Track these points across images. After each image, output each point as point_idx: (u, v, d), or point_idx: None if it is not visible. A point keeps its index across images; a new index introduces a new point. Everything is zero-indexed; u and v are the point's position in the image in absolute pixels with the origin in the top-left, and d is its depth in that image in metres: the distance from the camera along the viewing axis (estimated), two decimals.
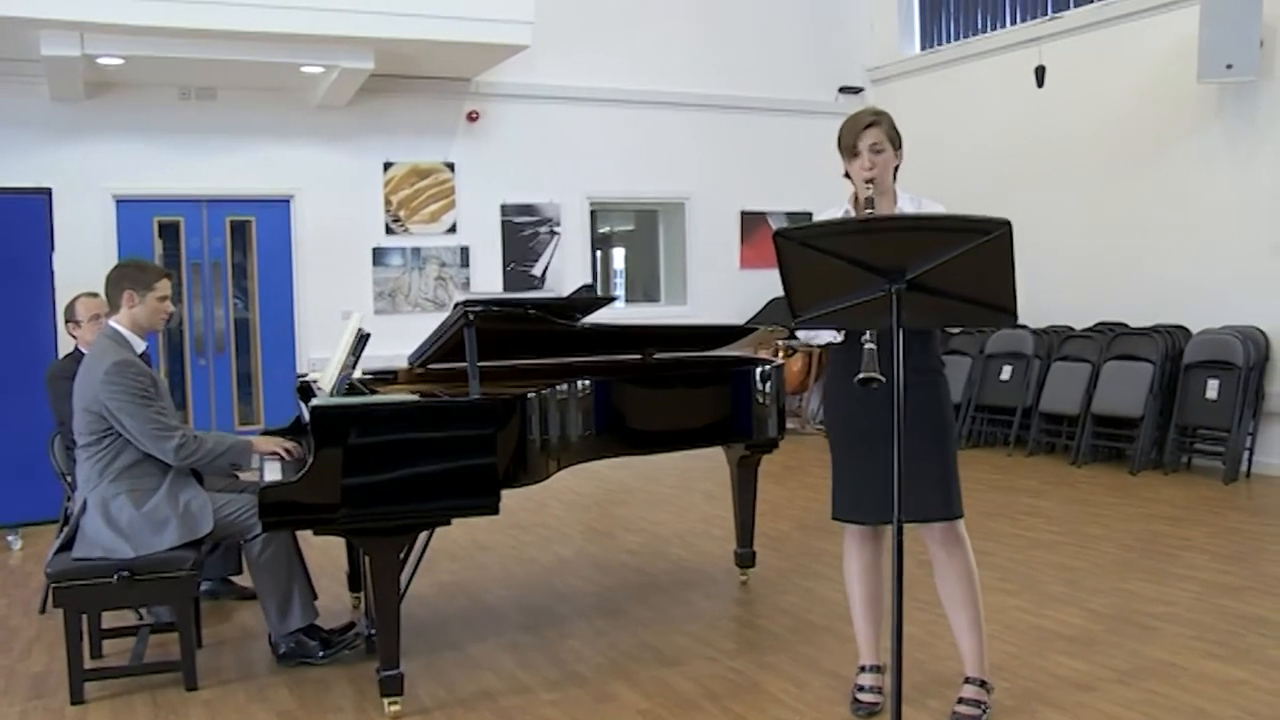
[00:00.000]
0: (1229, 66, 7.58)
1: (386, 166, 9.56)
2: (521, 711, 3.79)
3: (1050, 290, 9.08)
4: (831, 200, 3.68)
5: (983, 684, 3.54)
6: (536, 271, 10.17)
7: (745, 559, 5.25)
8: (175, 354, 9.03)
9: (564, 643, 4.51)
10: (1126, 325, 8.59)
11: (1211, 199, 8.16)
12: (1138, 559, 5.56)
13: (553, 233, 10.22)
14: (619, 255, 12.38)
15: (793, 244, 2.70)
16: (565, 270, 10.23)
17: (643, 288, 11.73)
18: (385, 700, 3.74)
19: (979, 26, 10.42)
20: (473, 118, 9.84)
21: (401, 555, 3.82)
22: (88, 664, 4.14)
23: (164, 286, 4.25)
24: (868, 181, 3.40)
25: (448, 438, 3.72)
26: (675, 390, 4.65)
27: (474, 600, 5.19)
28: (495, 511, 3.77)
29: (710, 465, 7.49)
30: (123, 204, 8.69)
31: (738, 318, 10.00)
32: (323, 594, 4.70)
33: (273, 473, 4.11)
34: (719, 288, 10.84)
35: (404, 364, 4.93)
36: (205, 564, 4.45)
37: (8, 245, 6.97)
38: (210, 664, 4.32)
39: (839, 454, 3.60)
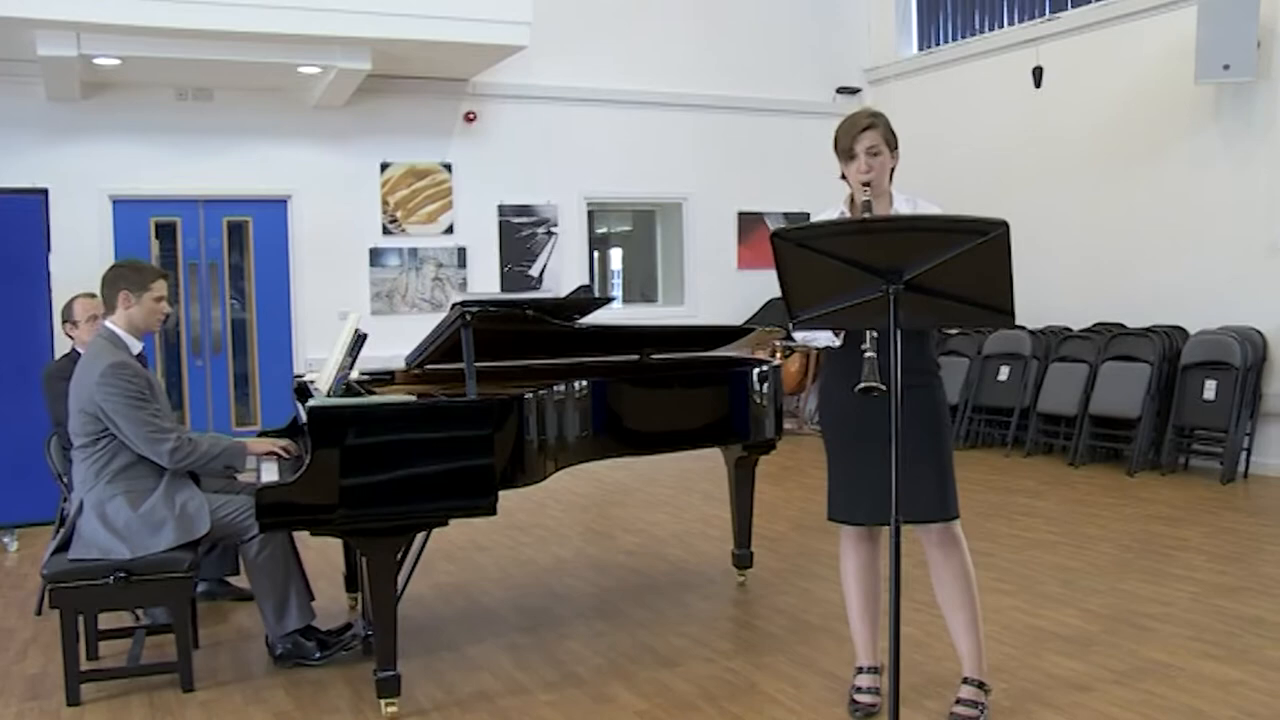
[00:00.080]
0: (1226, 67, 7.58)
1: (383, 167, 9.56)
2: (519, 712, 3.79)
3: (1048, 291, 9.09)
4: (829, 201, 3.67)
5: (980, 685, 3.54)
6: (534, 272, 10.17)
7: (743, 560, 5.25)
8: (172, 355, 9.02)
9: (562, 644, 4.50)
10: (1124, 326, 8.60)
11: (1209, 200, 8.17)
12: (1135, 559, 5.56)
13: (550, 233, 10.21)
14: (616, 256, 12.37)
15: (790, 245, 2.70)
16: (563, 271, 10.23)
17: (640, 288, 11.73)
18: (382, 701, 3.74)
19: (976, 27, 10.43)
20: (470, 118, 9.84)
21: (399, 556, 3.81)
22: (84, 665, 4.13)
23: (160, 287, 4.24)
24: (864, 185, 3.39)
25: (445, 438, 3.71)
26: (673, 391, 4.65)
27: (471, 601, 5.19)
28: (493, 512, 3.77)
29: (708, 466, 7.49)
30: (119, 204, 8.69)
31: (735, 318, 10.01)
32: (320, 595, 4.69)
33: (270, 473, 4.11)
34: (716, 288, 10.85)
35: (401, 365, 4.92)
36: (202, 565, 4.44)
37: (4, 246, 6.95)
38: (207, 665, 4.31)
39: (835, 455, 3.60)
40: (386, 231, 9.59)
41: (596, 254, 11.26)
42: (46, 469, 5.03)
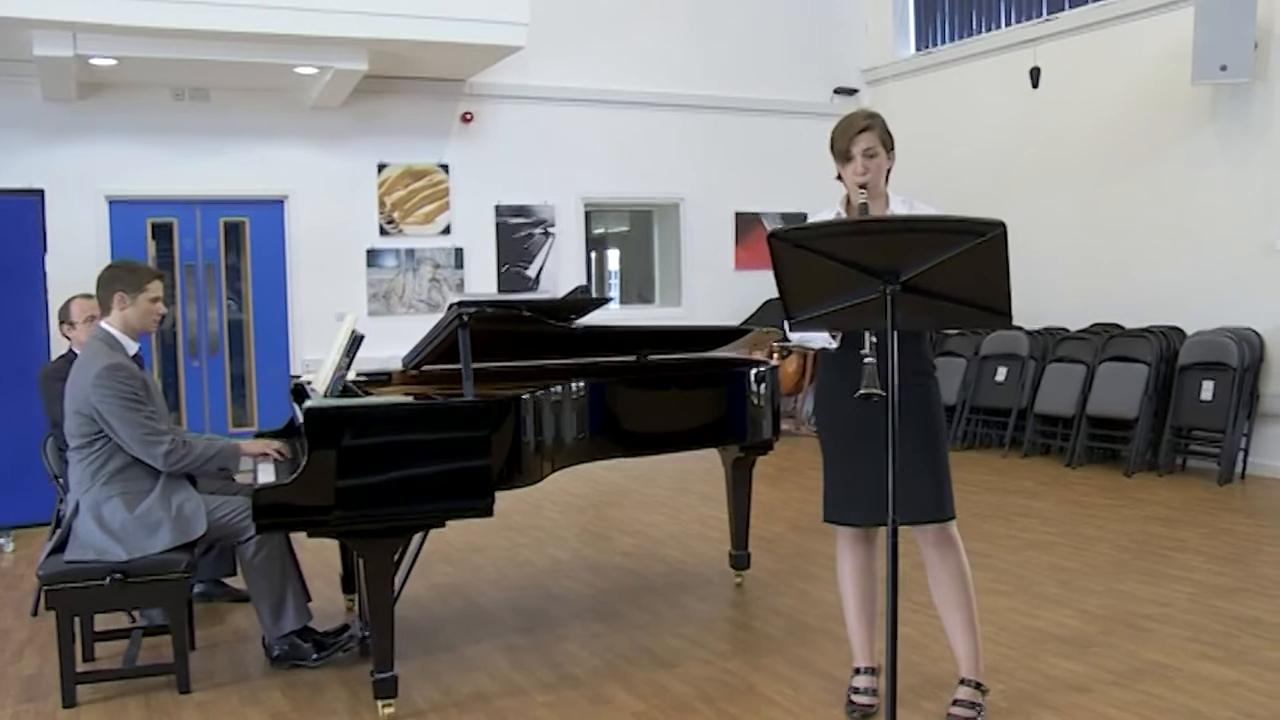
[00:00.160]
0: (1223, 68, 7.59)
1: (381, 168, 9.55)
2: (516, 714, 3.78)
3: (1045, 291, 9.09)
4: (826, 201, 3.67)
5: (977, 685, 3.54)
6: (531, 273, 10.16)
7: (740, 561, 5.24)
8: (169, 355, 9.01)
9: (559, 645, 4.50)
10: (1121, 327, 8.60)
11: (1206, 200, 8.17)
12: (1132, 560, 5.56)
13: (547, 234, 10.21)
14: (614, 256, 12.37)
15: (787, 245, 2.70)
16: (560, 272, 10.22)
17: (637, 289, 11.73)
18: (379, 703, 3.73)
19: (974, 28, 10.43)
20: (467, 119, 9.83)
21: (396, 557, 3.80)
22: (80, 667, 4.12)
23: (155, 288, 4.23)
24: (861, 187, 3.39)
25: (442, 439, 3.71)
26: (670, 392, 4.64)
27: (468, 602, 5.18)
28: (489, 513, 3.76)
29: (705, 467, 7.47)
30: (116, 205, 8.67)
31: (732, 319, 9.99)
32: (317, 596, 4.68)
33: (266, 474, 4.10)
34: (714, 289, 10.84)
35: (398, 366, 4.92)
36: (199, 566, 4.43)
37: (0, 247, 6.94)
38: (203, 666, 4.31)
39: (831, 456, 3.60)
40: (383, 232, 9.59)
41: (594, 254, 11.26)
42: (43, 470, 5.03)
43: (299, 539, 4.10)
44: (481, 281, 9.93)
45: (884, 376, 2.81)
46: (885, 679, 2.83)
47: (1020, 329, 9.11)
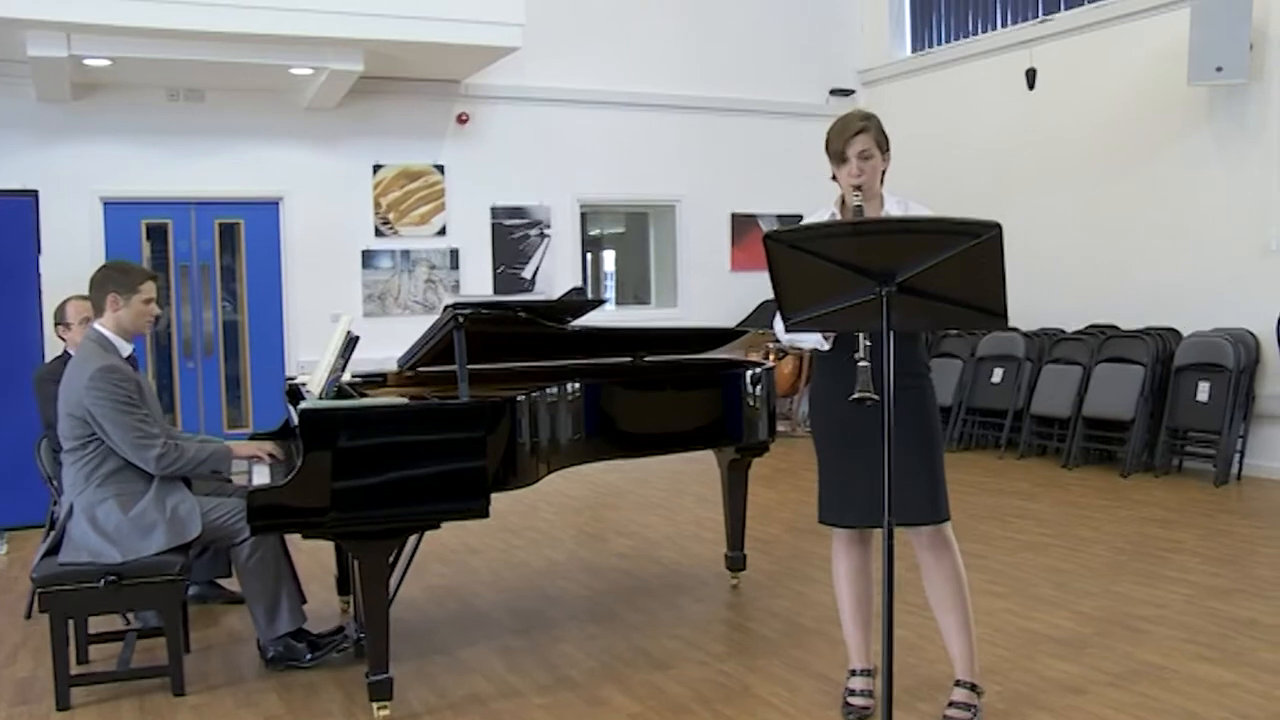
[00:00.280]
0: (1219, 69, 7.59)
1: (376, 169, 9.54)
2: (512, 715, 3.77)
3: (1041, 292, 9.09)
4: (822, 202, 3.67)
5: (973, 687, 3.53)
6: (527, 274, 10.16)
7: (736, 562, 5.23)
8: (163, 357, 8.99)
9: (555, 646, 4.49)
10: (1117, 328, 8.60)
11: (1202, 201, 8.18)
12: (1128, 561, 5.56)
13: (543, 235, 10.20)
14: (609, 258, 12.37)
15: (782, 247, 2.69)
16: (555, 273, 10.21)
17: (633, 290, 11.72)
18: (374, 705, 3.72)
19: (970, 29, 10.44)
20: (463, 120, 9.82)
21: (391, 559, 3.79)
22: (74, 669, 4.10)
23: (149, 289, 4.21)
24: (856, 189, 3.39)
25: (437, 441, 3.70)
26: (666, 393, 4.64)
27: (464, 604, 5.17)
28: (485, 515, 3.75)
29: (701, 468, 7.46)
30: (110, 206, 8.66)
31: (728, 320, 10.00)
32: (311, 598, 4.68)
33: (261, 476, 4.09)
34: (710, 290, 10.84)
35: (393, 367, 4.91)
36: (193, 568, 4.42)
37: None
38: (198, 669, 4.29)
39: (825, 458, 3.59)
40: (379, 233, 9.58)
41: (589, 256, 11.25)
42: (36, 472, 5.01)
43: (294, 540, 4.08)
44: (477, 283, 9.92)
45: (878, 379, 2.81)
46: (881, 681, 2.83)
47: (1016, 330, 9.11)
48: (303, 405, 3.74)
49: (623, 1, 10.40)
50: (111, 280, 4.17)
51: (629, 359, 5.06)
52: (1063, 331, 9.02)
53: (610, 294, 11.94)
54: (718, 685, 4.00)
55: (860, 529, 3.58)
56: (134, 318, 4.18)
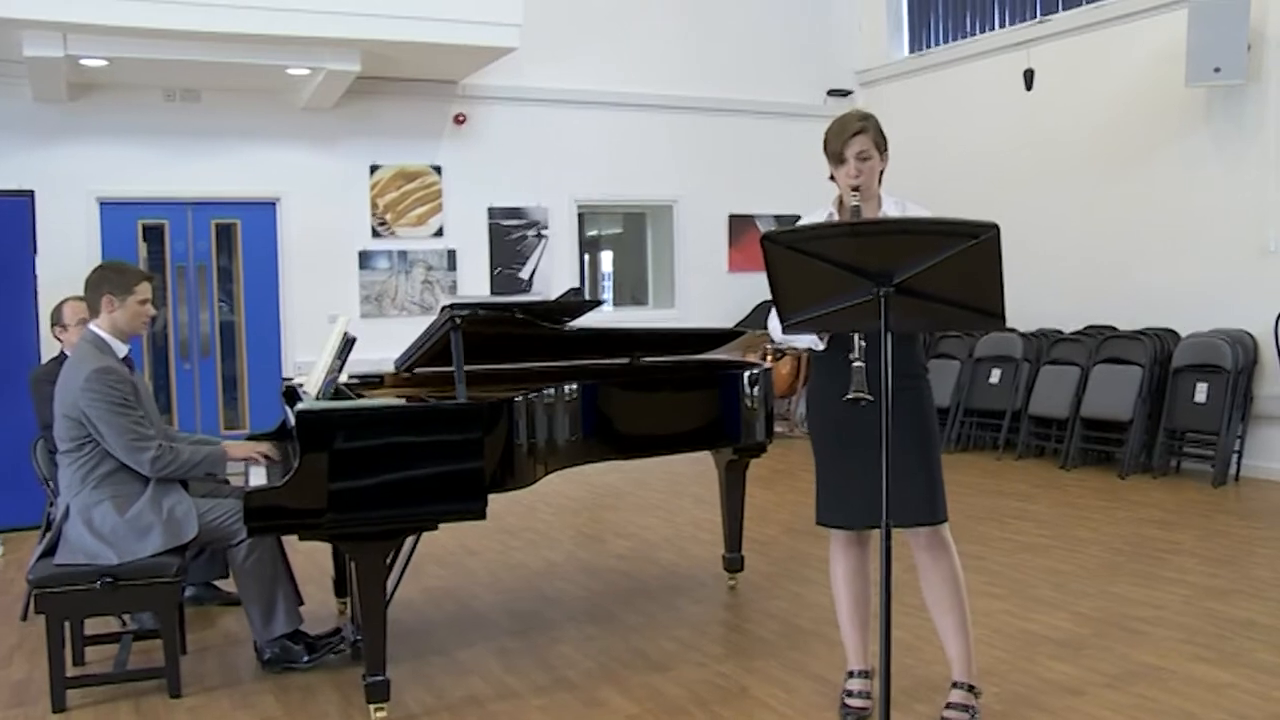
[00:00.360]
0: (1217, 70, 7.60)
1: (373, 169, 9.53)
2: (510, 717, 3.77)
3: (1039, 293, 9.08)
4: (820, 203, 3.66)
5: (970, 688, 3.53)
6: (524, 275, 10.15)
7: (734, 564, 5.23)
8: (160, 358, 8.98)
9: (552, 648, 4.48)
10: (1115, 329, 8.60)
11: (1200, 202, 8.18)
12: (1126, 562, 5.55)
13: (540, 236, 10.19)
14: (607, 258, 12.36)
15: (780, 248, 2.69)
16: (553, 274, 10.21)
17: (631, 291, 11.71)
18: (371, 706, 3.71)
19: (968, 29, 10.43)
20: (460, 120, 9.81)
21: (388, 560, 3.79)
22: (70, 671, 4.10)
23: (144, 290, 4.20)
24: (854, 189, 3.38)
25: (434, 442, 3.69)
26: (663, 394, 4.64)
27: (461, 605, 5.16)
28: (482, 516, 3.75)
29: (699, 469, 7.46)
30: (106, 206, 8.65)
31: (726, 321, 9.99)
32: (308, 599, 4.66)
33: (258, 477, 4.08)
34: (707, 291, 10.83)
35: (390, 368, 4.90)
36: (190, 569, 4.41)
37: None
38: (194, 670, 4.29)
39: (823, 459, 3.59)
40: (376, 234, 9.56)
41: (587, 257, 11.25)
42: (33, 473, 5.00)
43: (291, 542, 4.07)
44: (474, 284, 9.91)
45: (871, 379, 2.80)
46: (879, 682, 2.82)
47: (1014, 331, 9.12)
48: (300, 406, 3.74)
49: (620, 2, 10.39)
50: (107, 281, 4.16)
51: (626, 360, 5.05)
52: (1060, 332, 9.02)
53: (608, 295, 11.93)
54: (715, 687, 3.99)
55: (858, 530, 3.57)
56: (129, 319, 4.17)
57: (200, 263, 9.08)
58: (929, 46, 10.89)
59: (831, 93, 11.33)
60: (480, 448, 3.73)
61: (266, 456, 4.25)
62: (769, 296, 2.82)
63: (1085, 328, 8.88)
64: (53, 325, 5.35)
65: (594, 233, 11.84)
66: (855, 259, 2.64)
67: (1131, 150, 8.71)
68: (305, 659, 4.25)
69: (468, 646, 4.53)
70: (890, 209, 3.48)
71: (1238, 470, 7.71)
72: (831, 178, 3.49)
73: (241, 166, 9.03)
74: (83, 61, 7.63)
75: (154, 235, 8.91)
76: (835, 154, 3.42)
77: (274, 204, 9.20)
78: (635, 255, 11.61)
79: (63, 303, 5.30)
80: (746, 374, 4.75)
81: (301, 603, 4.39)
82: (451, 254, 9.83)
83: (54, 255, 7.78)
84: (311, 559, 5.69)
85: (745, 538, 5.26)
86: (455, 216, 9.83)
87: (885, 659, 2.78)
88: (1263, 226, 7.76)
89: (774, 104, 11.05)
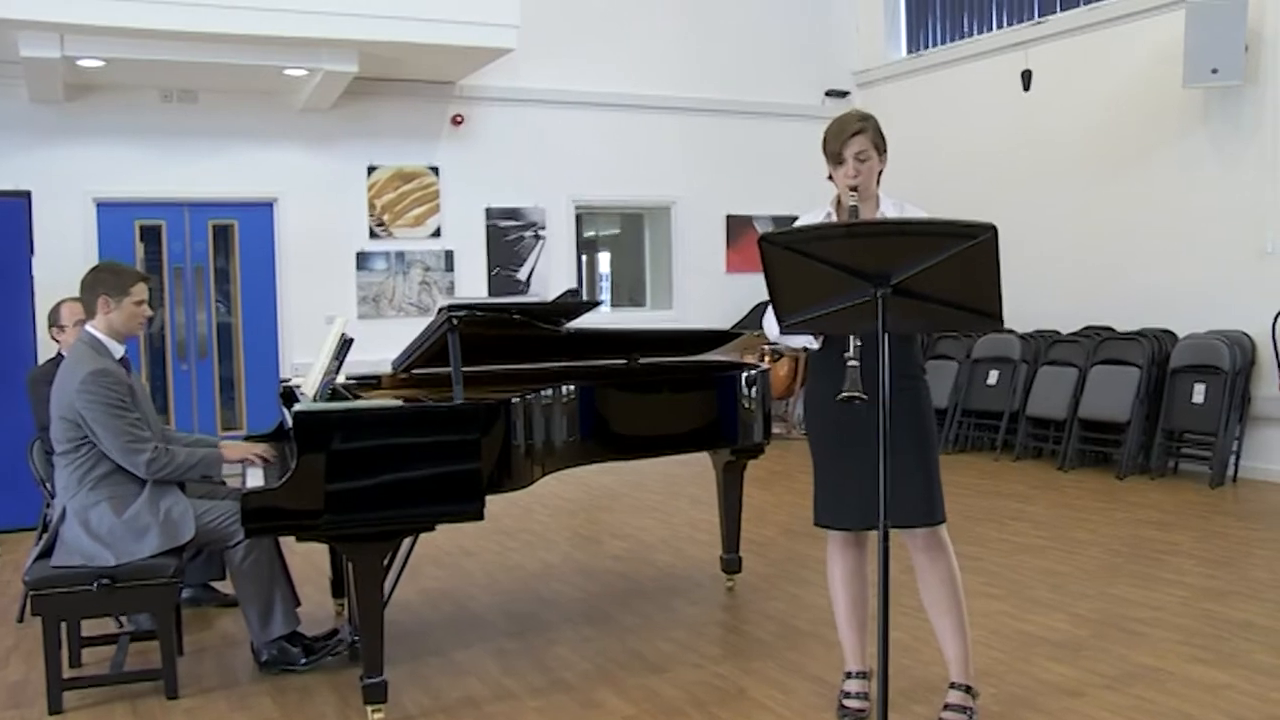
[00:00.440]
0: (1214, 71, 7.60)
1: (370, 170, 9.52)
2: (506, 718, 3.76)
3: (1037, 294, 9.08)
4: (818, 204, 3.66)
5: (968, 689, 3.52)
6: (521, 276, 10.14)
7: (731, 565, 5.23)
8: (157, 359, 8.97)
9: (550, 649, 4.48)
10: (1113, 330, 8.60)
11: (1197, 203, 8.18)
12: (1124, 564, 5.55)
13: (538, 237, 10.19)
14: (605, 259, 12.36)
15: (777, 249, 2.69)
16: (550, 275, 10.20)
17: (628, 292, 11.71)
18: (369, 708, 3.71)
19: (965, 30, 10.44)
20: (457, 121, 9.81)
21: (385, 561, 3.78)
22: (66, 673, 4.09)
23: (140, 291, 4.19)
24: (852, 189, 3.38)
25: (431, 443, 3.69)
26: (661, 395, 4.63)
27: (459, 607, 5.16)
28: (480, 517, 3.74)
29: (696, 471, 7.46)
30: (103, 207, 8.64)
31: (724, 322, 9.99)
32: (306, 600, 4.66)
33: (255, 478, 4.08)
34: (705, 292, 10.83)
35: (388, 369, 4.90)
36: (187, 570, 4.40)
37: None
38: (191, 672, 4.28)
39: (821, 460, 3.58)
40: (373, 235, 9.56)
41: (584, 258, 11.24)
42: (30, 474, 4.99)
43: (288, 543, 4.07)
44: (472, 284, 9.91)
45: (869, 379, 2.80)
46: (877, 683, 2.82)
47: (1012, 332, 9.12)
48: (297, 408, 3.73)
49: (617, 3, 10.39)
50: (102, 282, 4.15)
51: (624, 361, 5.05)
52: (1058, 333, 9.02)
53: (605, 296, 11.93)
54: (712, 688, 3.99)
55: (856, 531, 3.57)
56: (125, 320, 4.16)
57: (197, 264, 9.07)
58: (927, 47, 10.90)
59: (829, 93, 11.33)
60: (477, 449, 3.73)
61: (264, 458, 4.24)
62: (767, 297, 2.82)
63: (1083, 329, 8.88)
64: (50, 326, 5.34)
65: (592, 233, 11.84)
66: (853, 260, 2.64)
67: (1129, 151, 8.71)
68: (303, 660, 4.25)
69: (465, 648, 4.52)
70: (888, 210, 3.47)
71: (1235, 471, 7.71)
72: (830, 178, 3.49)
73: (239, 167, 9.02)
74: (79, 62, 7.62)
75: (151, 236, 8.90)
76: (834, 154, 3.42)
77: (271, 205, 9.20)
78: (633, 256, 11.61)
79: (60, 304, 5.29)
80: (744, 375, 4.74)
81: (299, 604, 4.38)
82: (449, 255, 9.82)
83: (51, 256, 7.77)
84: (309, 560, 5.68)
85: (743, 539, 5.26)
86: (453, 217, 9.82)
87: (883, 660, 2.77)
88: (1260, 227, 7.77)
89: (772, 105, 11.05)
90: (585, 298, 9.65)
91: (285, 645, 4.25)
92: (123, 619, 4.63)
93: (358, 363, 4.88)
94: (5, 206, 7.04)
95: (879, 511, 2.76)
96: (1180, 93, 8.09)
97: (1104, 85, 8.89)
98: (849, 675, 3.68)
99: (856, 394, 2.76)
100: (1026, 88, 9.32)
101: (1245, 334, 7.79)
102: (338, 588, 5.08)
